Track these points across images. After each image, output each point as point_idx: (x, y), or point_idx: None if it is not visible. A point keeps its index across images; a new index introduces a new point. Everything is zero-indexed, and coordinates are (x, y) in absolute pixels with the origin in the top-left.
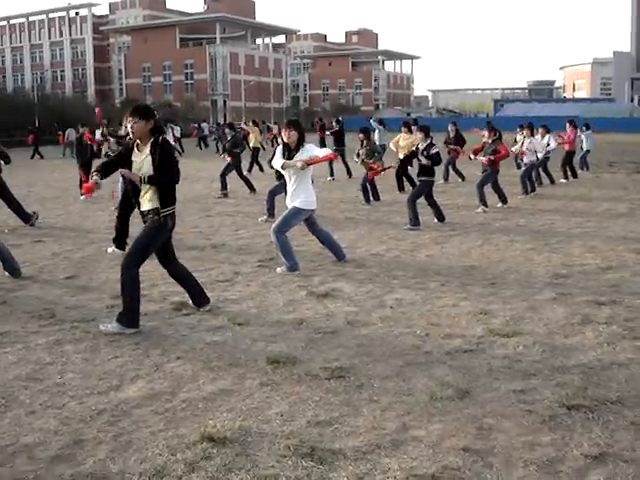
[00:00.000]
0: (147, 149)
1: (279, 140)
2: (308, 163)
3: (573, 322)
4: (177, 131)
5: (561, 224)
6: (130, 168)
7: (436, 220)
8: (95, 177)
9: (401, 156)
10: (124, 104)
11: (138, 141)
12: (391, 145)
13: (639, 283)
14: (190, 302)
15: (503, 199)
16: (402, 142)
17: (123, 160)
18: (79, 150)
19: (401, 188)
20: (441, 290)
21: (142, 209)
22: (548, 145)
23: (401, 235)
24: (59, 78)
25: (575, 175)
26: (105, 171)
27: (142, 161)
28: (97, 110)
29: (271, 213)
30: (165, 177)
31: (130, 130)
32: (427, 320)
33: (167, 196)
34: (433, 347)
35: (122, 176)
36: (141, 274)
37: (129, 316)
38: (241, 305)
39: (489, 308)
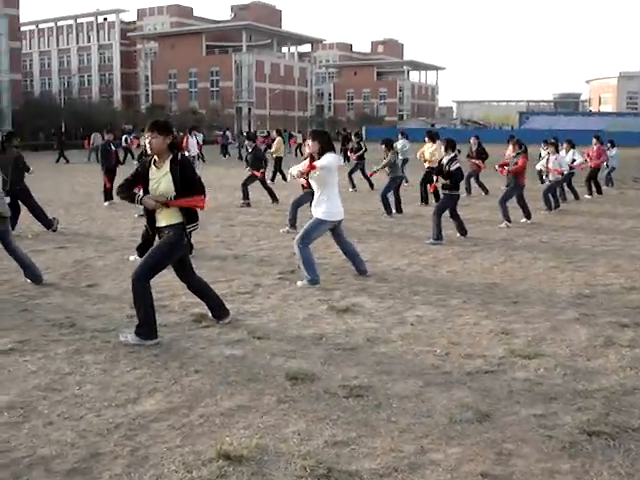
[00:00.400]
0: (166, 166)
1: (303, 149)
2: (301, 172)
3: (596, 344)
4: (200, 138)
5: (585, 241)
6: (146, 186)
7: (458, 234)
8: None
9: (427, 166)
10: (149, 110)
11: (156, 157)
12: (418, 156)
13: None
14: (210, 314)
15: (527, 214)
16: (427, 153)
17: (139, 178)
18: (104, 156)
19: (424, 200)
20: (462, 307)
21: (159, 225)
22: (573, 161)
23: (423, 249)
24: (86, 83)
25: (600, 191)
26: (129, 195)
27: (160, 178)
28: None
29: (293, 224)
30: (194, 194)
31: (148, 145)
32: (448, 339)
33: (193, 211)
34: (453, 367)
35: None
36: (162, 284)
37: (146, 328)
38: (261, 318)
39: (511, 327)
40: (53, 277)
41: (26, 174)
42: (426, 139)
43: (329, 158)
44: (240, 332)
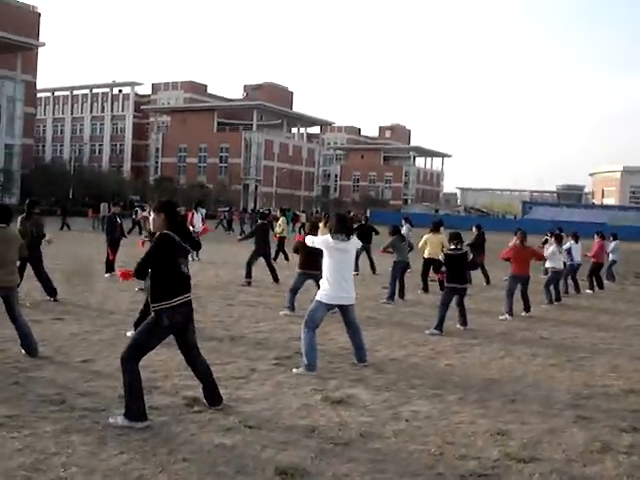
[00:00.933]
0: None
1: (305, 229)
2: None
3: (592, 449)
4: (203, 213)
5: (585, 338)
6: None
7: (459, 325)
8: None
9: (426, 255)
10: (158, 182)
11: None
12: (420, 245)
13: None
14: (203, 398)
15: (527, 307)
16: (434, 244)
17: None
18: (110, 228)
19: (425, 288)
20: (459, 404)
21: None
22: (569, 250)
23: (422, 339)
24: (97, 151)
25: (601, 286)
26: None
27: None
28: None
29: (292, 308)
30: (139, 265)
31: (152, 224)
32: (442, 437)
33: (158, 290)
34: (447, 468)
35: None
36: (156, 363)
37: (134, 410)
38: (254, 406)
39: (507, 428)
40: (48, 350)
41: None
42: (430, 228)
43: (322, 237)
44: (232, 419)
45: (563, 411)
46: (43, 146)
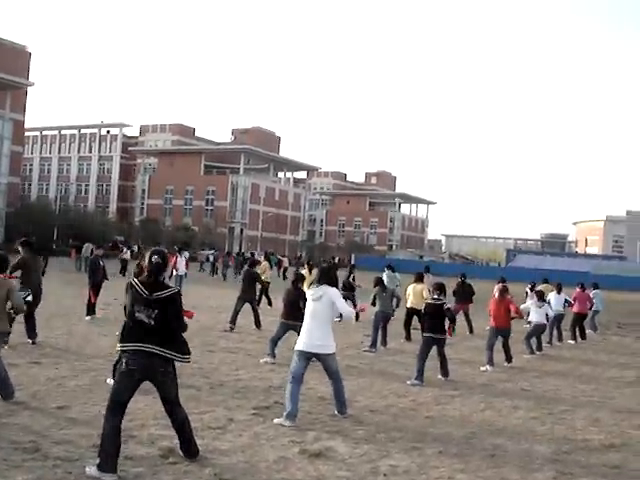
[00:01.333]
0: None
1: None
2: None
3: None
4: (186, 256)
5: (566, 390)
6: None
7: (439, 375)
8: None
9: (408, 305)
10: (143, 223)
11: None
12: (406, 294)
13: None
14: (179, 450)
15: (508, 358)
16: (417, 293)
17: None
18: (92, 270)
19: (408, 337)
20: (438, 458)
21: None
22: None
23: (403, 390)
24: (83, 191)
25: (583, 336)
26: None
27: None
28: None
29: (273, 355)
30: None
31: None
32: None
33: (125, 333)
34: None
35: None
36: (133, 412)
37: (103, 461)
38: (230, 458)
39: None
40: (24, 395)
41: None
42: (414, 278)
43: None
44: (207, 472)
45: (543, 466)
46: (29, 185)
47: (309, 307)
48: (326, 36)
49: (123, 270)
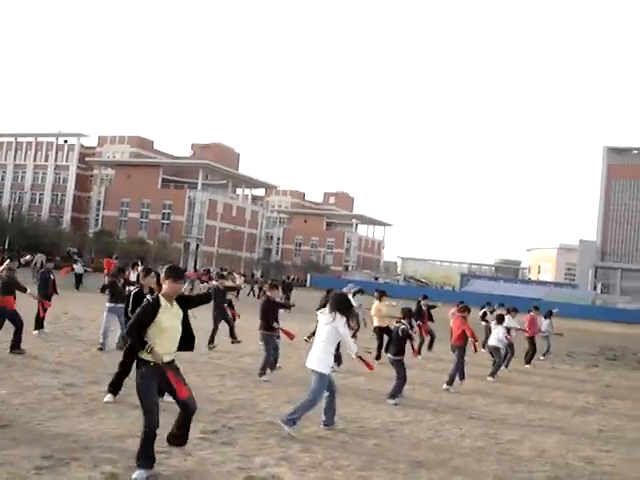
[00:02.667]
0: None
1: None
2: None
3: None
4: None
5: (514, 419)
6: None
7: (389, 400)
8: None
9: (376, 323)
10: (97, 235)
11: (164, 297)
12: (372, 312)
13: None
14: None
15: (462, 376)
16: (381, 310)
17: (149, 319)
18: (43, 284)
19: (378, 357)
20: None
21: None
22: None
23: (352, 415)
24: (37, 200)
25: (529, 362)
26: (141, 342)
27: (173, 317)
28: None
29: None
30: None
31: (170, 289)
32: None
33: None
34: None
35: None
36: (76, 434)
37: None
38: None
39: None
40: None
41: None
42: (375, 295)
43: None
44: None
45: None
46: None
47: (319, 329)
48: (287, 54)
49: (77, 284)
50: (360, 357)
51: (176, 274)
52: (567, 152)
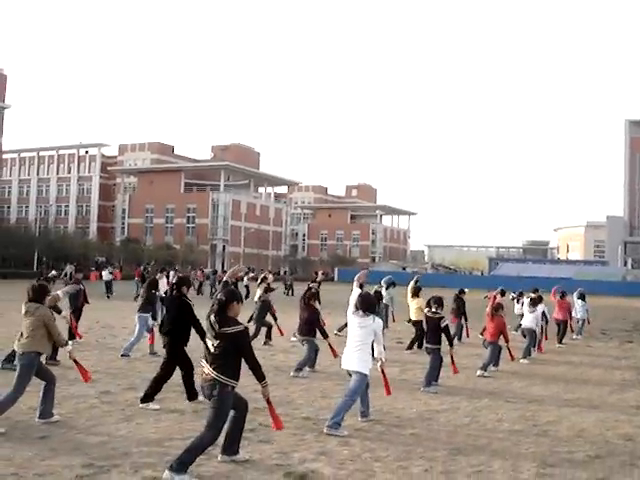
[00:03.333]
0: None
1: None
2: None
3: None
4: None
5: (551, 400)
6: None
7: (422, 388)
8: None
9: (413, 317)
10: (124, 243)
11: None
12: (411, 308)
13: (627, 475)
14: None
15: (496, 363)
16: (413, 306)
17: None
18: (73, 295)
19: (410, 347)
20: (424, 477)
21: None
22: (544, 314)
23: (387, 407)
24: (63, 213)
25: (560, 341)
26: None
27: None
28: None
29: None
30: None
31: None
32: None
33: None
34: None
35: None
36: (115, 440)
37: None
38: None
39: None
40: (5, 424)
41: None
42: (410, 294)
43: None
44: None
45: None
46: (8, 207)
47: (354, 331)
48: (304, 50)
49: (108, 292)
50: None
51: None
52: (589, 128)
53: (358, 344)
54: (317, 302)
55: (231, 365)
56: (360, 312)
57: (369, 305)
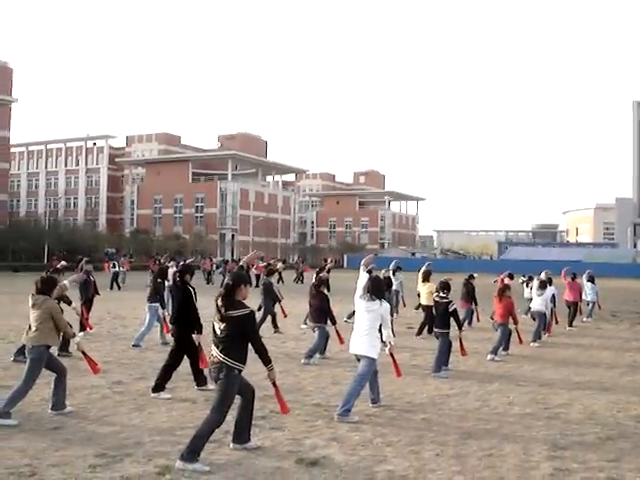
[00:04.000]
0: None
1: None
2: None
3: None
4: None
5: (562, 383)
6: None
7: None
8: None
9: (424, 302)
10: (133, 234)
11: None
12: (422, 293)
13: (639, 456)
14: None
15: (506, 347)
16: (425, 294)
17: None
18: (83, 287)
19: (420, 332)
20: (435, 461)
21: None
22: (553, 297)
23: (398, 392)
24: (72, 205)
25: (571, 324)
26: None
27: None
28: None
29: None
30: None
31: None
32: None
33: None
34: None
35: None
36: (127, 430)
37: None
38: (227, 472)
39: None
40: (18, 416)
41: None
42: (420, 279)
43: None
44: None
45: (540, 464)
46: (17, 201)
47: (361, 315)
48: (310, 38)
49: (112, 284)
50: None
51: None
52: (597, 110)
53: (366, 328)
54: (326, 289)
55: (237, 348)
56: (367, 296)
57: (378, 289)
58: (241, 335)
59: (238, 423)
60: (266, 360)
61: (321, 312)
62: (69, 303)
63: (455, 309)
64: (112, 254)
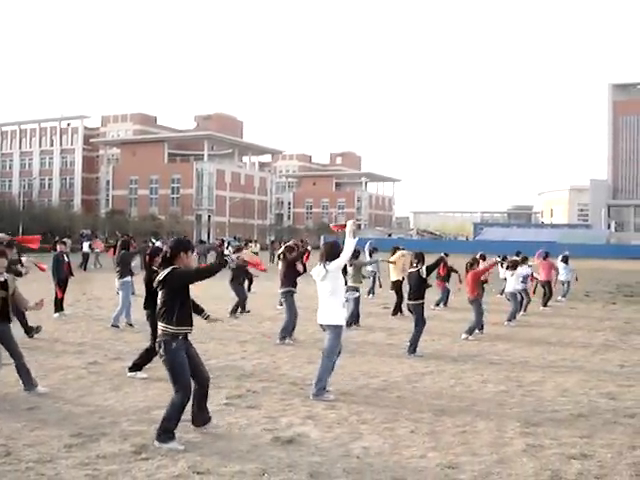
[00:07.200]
0: None
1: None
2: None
3: (542, 479)
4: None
5: (535, 361)
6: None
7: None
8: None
9: (393, 278)
10: (109, 215)
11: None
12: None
13: (610, 432)
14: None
15: (481, 327)
16: (397, 262)
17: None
18: (57, 267)
19: (395, 313)
20: (410, 438)
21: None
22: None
23: (374, 371)
24: (47, 186)
25: (545, 304)
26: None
27: None
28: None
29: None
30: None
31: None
32: (393, 473)
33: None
34: None
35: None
36: (103, 410)
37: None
38: (203, 449)
39: (457, 461)
40: None
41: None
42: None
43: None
44: (180, 466)
45: (513, 440)
46: None
47: (319, 286)
48: (287, 19)
49: (84, 264)
50: None
51: (191, 246)
52: (573, 93)
53: (326, 296)
54: (300, 264)
55: (171, 311)
56: (319, 265)
57: (333, 255)
58: (172, 294)
59: (193, 406)
60: (215, 267)
61: (287, 278)
62: (19, 274)
63: (424, 271)
64: (87, 235)
